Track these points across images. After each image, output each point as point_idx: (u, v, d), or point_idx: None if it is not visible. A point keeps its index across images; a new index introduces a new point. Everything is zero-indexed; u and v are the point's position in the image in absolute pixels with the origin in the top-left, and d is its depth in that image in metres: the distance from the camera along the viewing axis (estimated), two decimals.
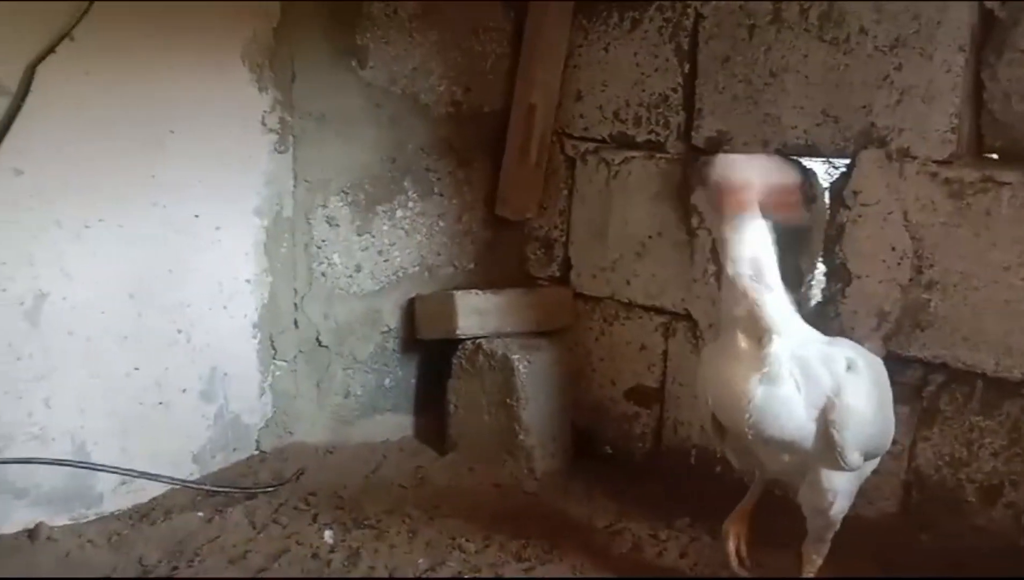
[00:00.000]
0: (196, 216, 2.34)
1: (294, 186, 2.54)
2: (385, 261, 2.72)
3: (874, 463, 1.84)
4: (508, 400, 2.54)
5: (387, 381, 2.77)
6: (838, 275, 2.26)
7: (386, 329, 2.75)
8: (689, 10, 2.52)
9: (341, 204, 2.62)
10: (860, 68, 2.20)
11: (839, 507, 1.75)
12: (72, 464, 2.17)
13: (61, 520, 2.18)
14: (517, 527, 2.24)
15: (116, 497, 2.27)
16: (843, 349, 1.74)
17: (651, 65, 2.62)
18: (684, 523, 2.21)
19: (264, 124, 2.44)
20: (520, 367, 2.53)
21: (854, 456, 1.67)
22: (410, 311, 2.76)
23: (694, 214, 2.53)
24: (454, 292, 2.64)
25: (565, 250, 2.87)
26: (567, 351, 2.74)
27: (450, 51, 2.74)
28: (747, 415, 1.62)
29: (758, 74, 2.37)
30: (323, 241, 2.61)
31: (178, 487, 2.34)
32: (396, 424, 2.78)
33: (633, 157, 2.67)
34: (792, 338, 1.63)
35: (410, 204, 2.74)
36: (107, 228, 2.18)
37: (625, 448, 2.72)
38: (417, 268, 2.78)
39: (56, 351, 2.15)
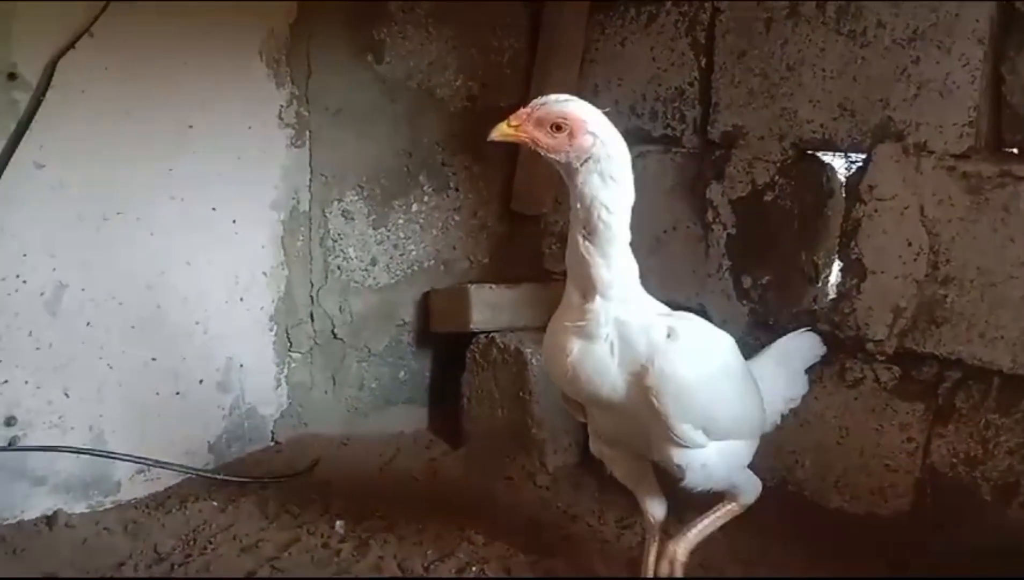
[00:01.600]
0: (213, 209, 2.37)
1: (310, 180, 2.56)
2: (400, 255, 2.74)
3: (741, 446, 1.76)
4: (521, 394, 2.54)
5: (402, 374, 2.79)
6: (853, 270, 2.23)
7: (401, 322, 2.77)
8: (706, 4, 2.51)
9: (357, 198, 2.64)
10: (877, 62, 2.18)
11: (699, 478, 1.69)
12: (90, 452, 2.21)
13: (79, 507, 2.22)
14: (527, 520, 2.25)
15: (133, 485, 2.31)
16: (674, 320, 1.65)
17: (667, 60, 2.61)
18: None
19: (281, 119, 2.47)
20: (533, 361, 2.53)
21: (683, 428, 1.61)
22: (425, 305, 2.78)
23: (709, 208, 2.52)
24: (468, 286, 2.66)
25: None
26: None
27: (467, 47, 2.75)
28: (566, 370, 1.61)
29: (774, 68, 2.36)
30: (339, 235, 2.63)
31: (193, 476, 2.37)
32: (410, 416, 2.80)
33: (649, 151, 2.66)
34: (619, 303, 1.58)
35: (425, 198, 2.76)
36: (126, 221, 2.22)
37: None
38: (432, 262, 2.80)
39: (75, 341, 2.19)
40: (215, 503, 2.27)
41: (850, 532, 2.16)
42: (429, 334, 2.79)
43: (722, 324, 2.47)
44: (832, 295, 2.31)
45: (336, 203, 2.61)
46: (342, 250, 2.65)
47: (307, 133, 2.52)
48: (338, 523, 2.19)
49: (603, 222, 1.54)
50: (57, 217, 2.13)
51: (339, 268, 2.65)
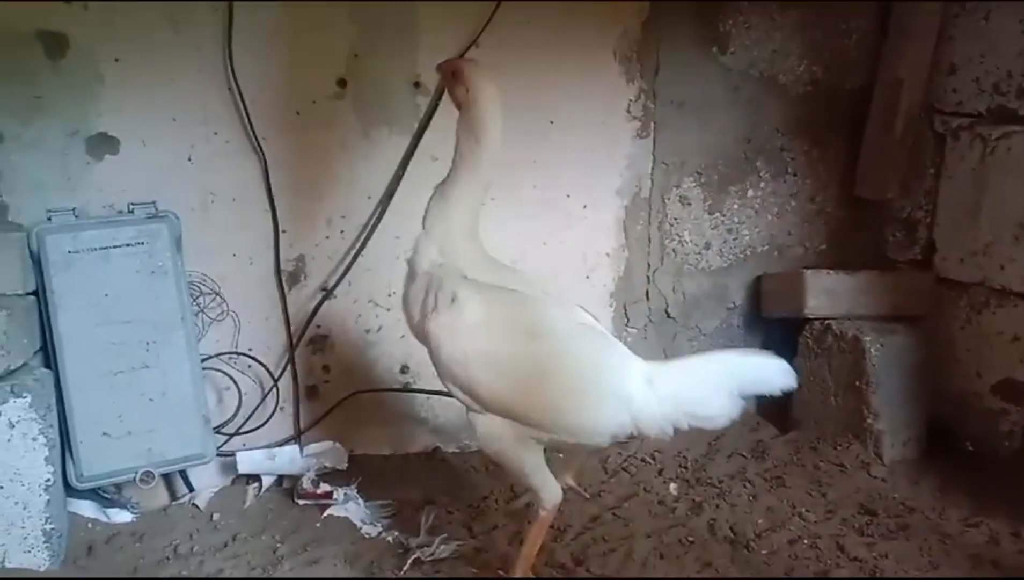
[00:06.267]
0: (567, 196, 2.64)
1: (652, 168, 2.73)
2: (734, 239, 2.82)
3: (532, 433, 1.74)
4: (857, 383, 2.51)
5: None
6: None
7: (731, 305, 2.85)
8: None
9: (694, 184, 2.77)
10: None
11: (485, 443, 1.78)
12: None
13: (451, 447, 2.62)
14: (862, 506, 2.23)
15: None
16: (469, 289, 1.76)
17: None
18: None
19: (629, 112, 2.67)
20: (872, 350, 2.49)
21: (448, 384, 1.77)
22: (756, 289, 2.84)
23: None
24: (804, 271, 2.67)
25: (929, 232, 2.74)
26: (926, 338, 2.62)
27: (811, 30, 2.75)
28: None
29: None
30: (675, 219, 2.78)
31: None
32: None
33: (1015, 132, 2.47)
34: (438, 248, 1.82)
35: (762, 184, 2.81)
36: (497, 206, 2.52)
37: (988, 445, 2.54)
38: (766, 247, 2.84)
39: None
40: (560, 455, 2.54)
41: None
42: (759, 318, 2.85)
43: None
44: None
45: (675, 189, 2.76)
46: (678, 234, 2.80)
47: (651, 125, 2.69)
48: (672, 485, 2.36)
49: (454, 164, 1.83)
50: None
51: (674, 251, 2.81)
